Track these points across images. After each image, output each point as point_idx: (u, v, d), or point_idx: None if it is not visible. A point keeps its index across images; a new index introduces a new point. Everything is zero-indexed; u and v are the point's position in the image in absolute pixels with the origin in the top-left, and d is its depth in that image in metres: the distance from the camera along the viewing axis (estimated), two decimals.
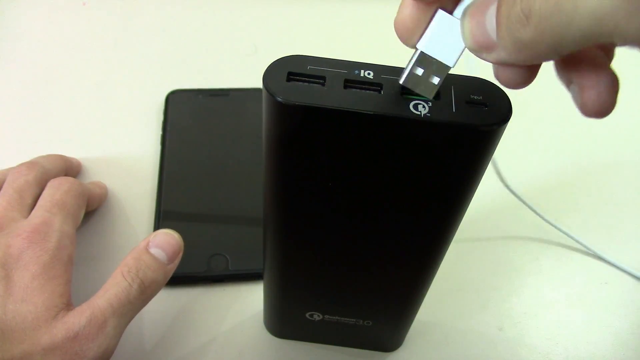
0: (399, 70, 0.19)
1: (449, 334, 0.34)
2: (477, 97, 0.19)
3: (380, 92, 0.18)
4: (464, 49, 0.18)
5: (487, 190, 0.40)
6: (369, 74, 0.19)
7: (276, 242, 0.24)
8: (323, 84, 0.18)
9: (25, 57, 0.48)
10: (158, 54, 0.49)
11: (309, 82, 0.18)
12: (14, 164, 0.34)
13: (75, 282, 0.30)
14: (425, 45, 0.18)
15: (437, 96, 0.18)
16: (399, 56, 0.19)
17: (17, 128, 0.42)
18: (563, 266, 0.38)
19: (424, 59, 0.18)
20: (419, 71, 0.18)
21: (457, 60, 0.18)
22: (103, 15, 0.52)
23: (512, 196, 0.40)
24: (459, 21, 0.17)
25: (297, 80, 0.18)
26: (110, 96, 0.45)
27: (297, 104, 0.17)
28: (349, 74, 0.18)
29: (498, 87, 0.20)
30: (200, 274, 0.34)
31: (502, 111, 0.18)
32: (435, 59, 0.18)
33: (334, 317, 0.29)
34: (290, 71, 0.18)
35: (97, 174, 0.40)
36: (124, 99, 0.45)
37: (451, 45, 0.18)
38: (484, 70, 0.20)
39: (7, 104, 0.44)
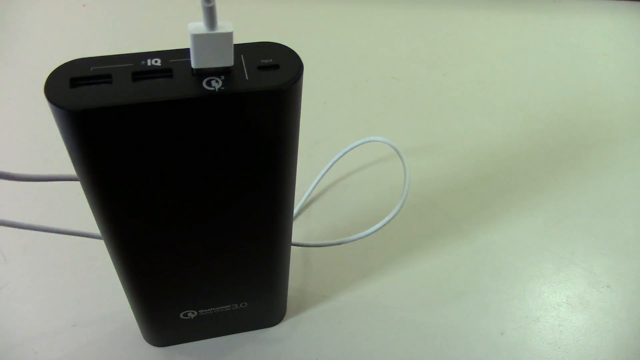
0: (186, 52, 0.19)
1: (450, 338, 0.33)
2: (268, 61, 0.19)
3: (171, 77, 0.18)
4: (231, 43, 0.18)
5: (488, 194, 0.42)
6: (156, 61, 0.19)
7: (120, 253, 0.23)
8: (110, 82, 0.18)
9: (25, 59, 0.47)
10: None
11: (95, 83, 0.18)
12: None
13: None
14: (197, 64, 0.18)
15: (229, 68, 0.19)
16: None
17: (16, 129, 0.42)
18: (564, 269, 0.38)
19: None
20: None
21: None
22: (102, 17, 0.53)
23: (512, 199, 0.40)
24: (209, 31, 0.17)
25: (82, 85, 0.17)
26: None
27: (85, 109, 0.17)
28: (135, 66, 0.18)
29: (287, 47, 0.20)
30: None
31: (293, 69, 0.19)
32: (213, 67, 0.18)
33: (209, 310, 0.29)
34: (72, 77, 0.17)
35: None
36: None
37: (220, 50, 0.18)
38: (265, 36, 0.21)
39: (6, 104, 0.44)
